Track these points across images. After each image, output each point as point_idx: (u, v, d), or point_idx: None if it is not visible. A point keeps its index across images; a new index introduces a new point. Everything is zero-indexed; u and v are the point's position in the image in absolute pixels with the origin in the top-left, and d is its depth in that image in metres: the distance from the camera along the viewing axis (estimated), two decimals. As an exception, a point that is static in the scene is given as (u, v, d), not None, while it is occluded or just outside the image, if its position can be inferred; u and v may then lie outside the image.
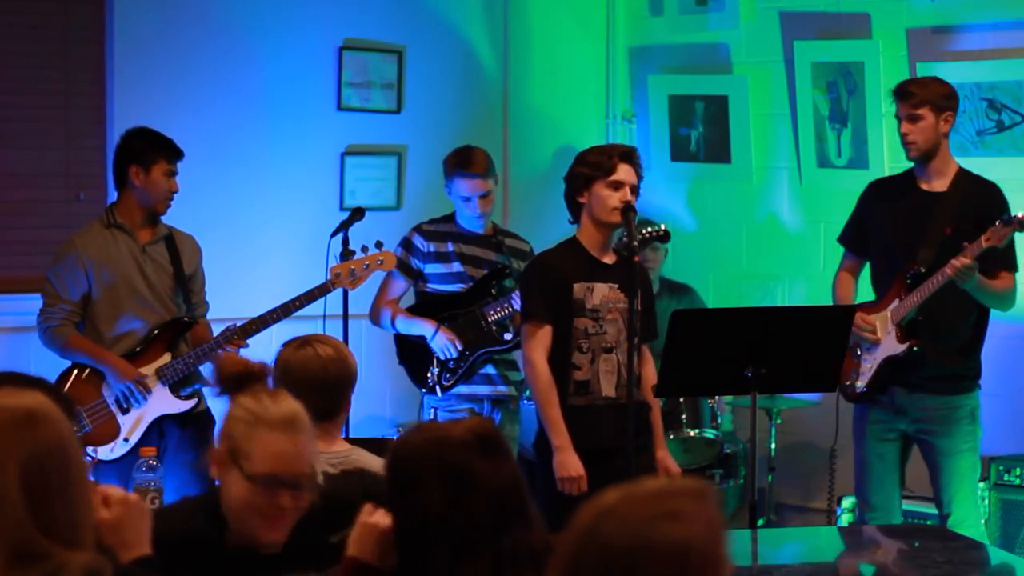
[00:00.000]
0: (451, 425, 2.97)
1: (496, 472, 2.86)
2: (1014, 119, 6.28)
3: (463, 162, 6.05)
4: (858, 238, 5.71)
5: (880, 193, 5.68)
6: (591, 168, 5.10)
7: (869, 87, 6.64)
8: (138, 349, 5.47)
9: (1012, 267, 5.50)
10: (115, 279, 5.46)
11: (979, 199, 5.43)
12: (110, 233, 5.50)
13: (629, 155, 5.15)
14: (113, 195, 5.67)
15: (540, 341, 5.09)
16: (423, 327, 6.01)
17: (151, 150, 5.51)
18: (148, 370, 5.47)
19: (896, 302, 5.47)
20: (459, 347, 5.98)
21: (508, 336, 6.05)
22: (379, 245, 5.74)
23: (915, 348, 5.43)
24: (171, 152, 5.54)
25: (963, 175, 5.54)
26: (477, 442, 2.87)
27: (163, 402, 5.46)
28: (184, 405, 5.52)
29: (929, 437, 5.48)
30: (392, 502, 2.93)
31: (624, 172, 5.09)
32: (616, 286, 5.14)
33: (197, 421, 5.56)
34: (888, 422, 5.54)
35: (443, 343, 5.97)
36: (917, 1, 6.56)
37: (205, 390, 5.58)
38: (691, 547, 1.97)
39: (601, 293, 5.13)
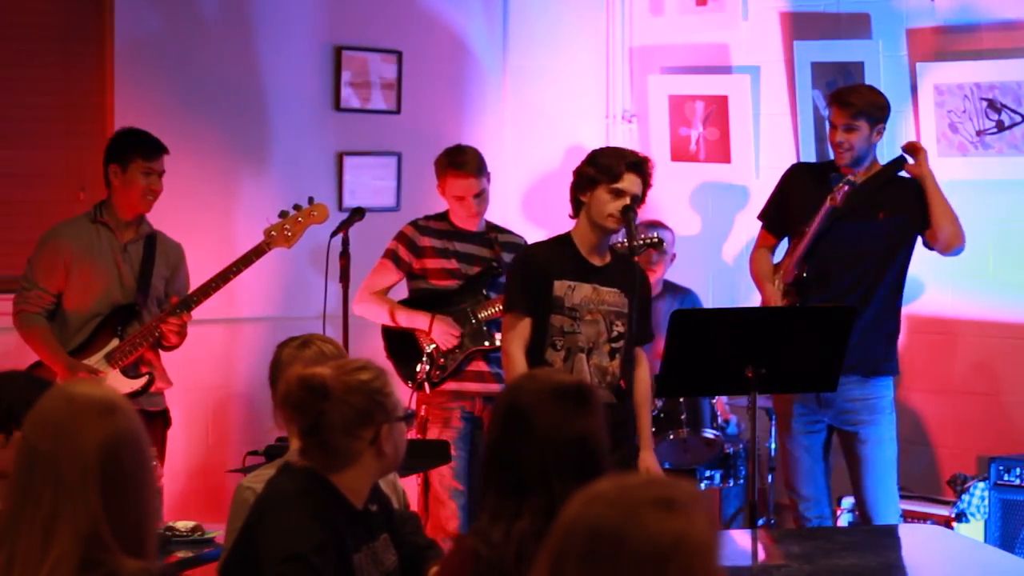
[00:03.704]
0: (549, 372, 3.26)
1: (563, 421, 2.97)
2: (1014, 119, 6.28)
3: (454, 162, 6.05)
4: (777, 217, 5.87)
5: (805, 178, 5.82)
6: (598, 171, 5.13)
7: (869, 87, 6.63)
8: (85, 340, 5.52)
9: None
10: (92, 273, 5.53)
11: (904, 185, 5.63)
12: (95, 228, 5.60)
13: (639, 165, 5.16)
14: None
15: (519, 333, 5.18)
16: (419, 319, 6.01)
17: (127, 149, 5.57)
18: (96, 358, 5.52)
19: (786, 261, 5.70)
20: (458, 335, 5.97)
21: (499, 336, 6.04)
22: (310, 200, 5.74)
23: (796, 304, 5.59)
24: (149, 150, 5.57)
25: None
26: (556, 390, 3.01)
27: (115, 384, 5.44)
28: (136, 384, 5.55)
29: (854, 428, 5.63)
30: (487, 439, 3.13)
31: (629, 182, 5.11)
32: (602, 288, 5.16)
33: (159, 419, 5.62)
34: (812, 414, 5.68)
35: (443, 333, 5.96)
36: (917, 1, 6.56)
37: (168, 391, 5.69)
38: (682, 539, 1.88)
39: (583, 293, 5.16)
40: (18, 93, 6.23)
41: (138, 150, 5.56)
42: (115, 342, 5.55)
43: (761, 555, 4.54)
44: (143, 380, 5.57)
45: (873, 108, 5.59)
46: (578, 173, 5.21)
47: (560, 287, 5.16)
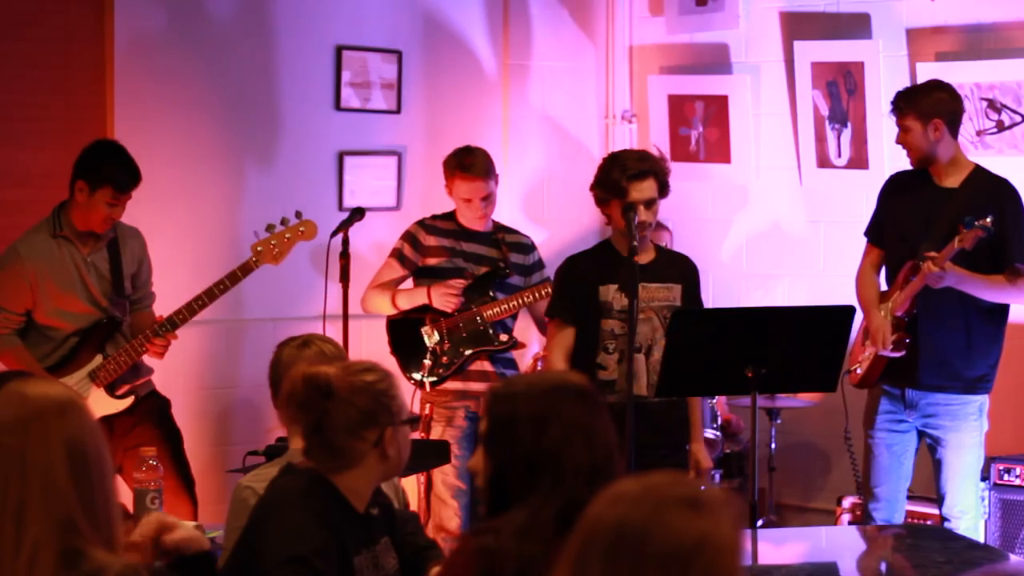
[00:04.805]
0: (550, 372, 3.11)
1: (567, 420, 2.96)
2: (1014, 119, 6.28)
3: (463, 164, 6.05)
4: (878, 230, 5.72)
5: (897, 187, 5.69)
6: (605, 190, 5.17)
7: (869, 87, 6.64)
8: (66, 355, 5.46)
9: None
10: (59, 291, 5.42)
11: (992, 196, 5.43)
12: (56, 243, 5.43)
13: (642, 173, 5.15)
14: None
15: (559, 342, 5.24)
16: (418, 294, 6.02)
17: (100, 173, 5.34)
18: (80, 375, 5.45)
19: (897, 294, 5.50)
20: (458, 292, 5.97)
21: (504, 337, 6.04)
22: (299, 215, 5.65)
23: (906, 340, 5.44)
24: (122, 183, 5.34)
25: (978, 173, 5.53)
26: (559, 389, 3.02)
27: (100, 404, 5.42)
28: (120, 405, 5.50)
29: (937, 432, 5.50)
30: (488, 443, 3.04)
31: (638, 191, 5.14)
32: (650, 284, 5.19)
33: (148, 402, 5.59)
34: (898, 413, 5.56)
35: (442, 295, 5.97)
36: (917, 1, 6.56)
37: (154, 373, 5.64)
38: (706, 539, 1.88)
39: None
40: (18, 93, 6.23)
41: (112, 180, 5.33)
42: (99, 359, 5.48)
43: (761, 555, 4.55)
44: (129, 400, 5.52)
45: (923, 105, 5.44)
46: (593, 191, 5.25)
47: (606, 292, 5.19)
